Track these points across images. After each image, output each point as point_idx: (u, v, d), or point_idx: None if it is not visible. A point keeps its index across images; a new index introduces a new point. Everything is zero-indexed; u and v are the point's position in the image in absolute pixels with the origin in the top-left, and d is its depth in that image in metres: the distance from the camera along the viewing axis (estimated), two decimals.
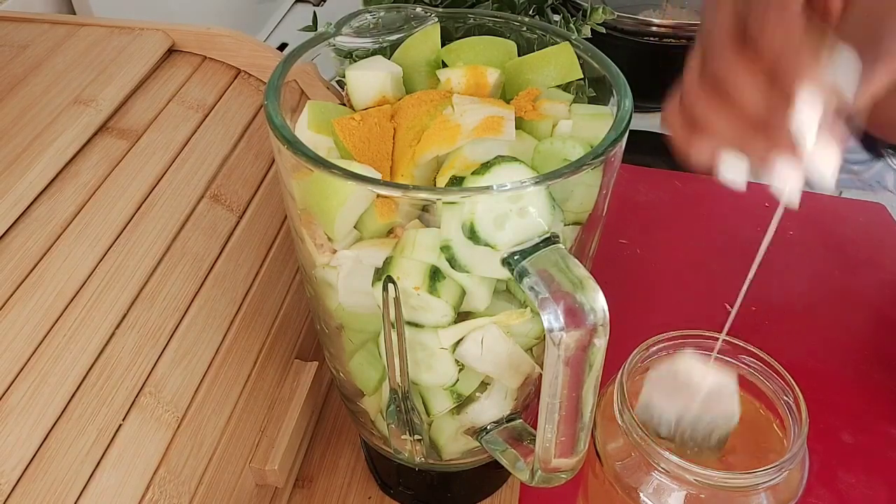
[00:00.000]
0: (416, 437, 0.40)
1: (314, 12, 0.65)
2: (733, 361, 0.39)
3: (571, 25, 0.63)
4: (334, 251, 0.35)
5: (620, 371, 0.38)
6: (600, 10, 0.64)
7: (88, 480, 0.34)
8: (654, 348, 0.39)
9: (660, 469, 0.36)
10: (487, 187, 0.31)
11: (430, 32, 0.40)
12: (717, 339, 0.39)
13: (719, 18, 0.32)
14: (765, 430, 0.39)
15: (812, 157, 0.29)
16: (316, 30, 0.63)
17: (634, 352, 0.39)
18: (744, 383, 0.40)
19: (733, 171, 0.32)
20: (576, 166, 0.31)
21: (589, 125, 0.36)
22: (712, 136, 0.32)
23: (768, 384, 0.38)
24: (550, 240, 0.31)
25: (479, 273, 0.33)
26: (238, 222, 0.47)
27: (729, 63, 0.31)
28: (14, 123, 0.45)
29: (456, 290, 0.34)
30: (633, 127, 0.34)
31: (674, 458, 0.35)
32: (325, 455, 0.51)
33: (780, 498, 0.36)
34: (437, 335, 0.35)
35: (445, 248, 0.32)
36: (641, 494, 0.37)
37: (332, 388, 0.55)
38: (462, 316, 0.35)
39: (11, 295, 0.37)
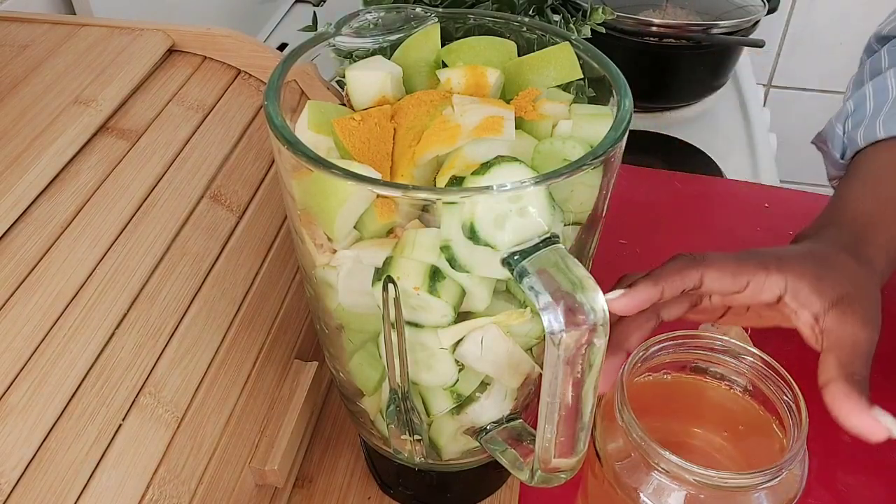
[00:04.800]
0: (416, 437, 0.40)
1: (314, 12, 0.65)
2: (734, 362, 0.39)
3: (571, 25, 0.63)
4: (334, 251, 0.35)
5: (620, 371, 0.38)
6: (600, 10, 0.64)
7: (88, 480, 0.34)
8: (654, 348, 0.39)
9: (659, 469, 0.36)
10: (487, 187, 0.31)
11: (430, 32, 0.40)
12: (716, 339, 0.39)
13: None
14: (765, 430, 0.39)
15: None
16: (316, 30, 0.63)
17: (634, 352, 0.39)
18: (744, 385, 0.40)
19: None
20: (576, 166, 0.31)
21: (589, 125, 0.36)
22: None
23: (768, 385, 0.38)
24: (550, 240, 0.31)
25: (479, 273, 0.33)
26: (238, 222, 0.47)
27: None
28: (14, 123, 0.45)
29: (456, 290, 0.34)
30: (633, 127, 0.34)
31: (673, 458, 0.35)
32: (325, 455, 0.51)
33: (779, 498, 0.36)
34: (437, 335, 0.35)
35: (445, 248, 0.32)
36: (641, 494, 0.37)
37: (332, 388, 0.55)
38: (462, 316, 0.35)
39: (11, 295, 0.37)
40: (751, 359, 0.39)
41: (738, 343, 0.39)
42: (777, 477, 0.35)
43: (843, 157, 0.59)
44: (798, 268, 0.42)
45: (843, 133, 0.59)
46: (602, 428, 0.39)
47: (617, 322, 0.41)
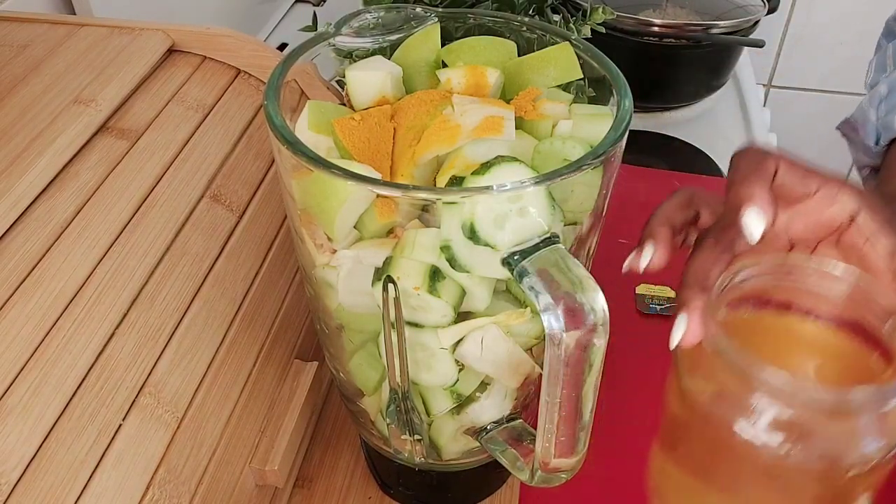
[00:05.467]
0: (416, 437, 0.40)
1: (314, 12, 0.65)
2: (830, 288, 0.36)
3: (571, 25, 0.63)
4: (334, 251, 0.35)
5: (710, 298, 0.35)
6: (600, 10, 0.64)
7: (88, 480, 0.34)
8: (743, 274, 0.36)
9: (760, 391, 0.32)
10: (487, 187, 0.31)
11: (430, 32, 0.40)
12: (812, 262, 0.37)
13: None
14: (865, 366, 0.36)
15: None
16: (316, 30, 0.63)
17: (720, 279, 0.35)
18: (838, 317, 0.37)
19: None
20: (576, 166, 0.31)
21: (589, 125, 0.36)
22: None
23: (869, 313, 0.35)
24: (550, 240, 0.31)
25: (479, 273, 0.33)
26: (238, 222, 0.47)
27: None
28: (14, 123, 0.45)
29: (456, 290, 0.34)
30: (633, 127, 0.34)
31: (778, 375, 0.31)
32: (325, 455, 0.51)
33: (886, 433, 0.33)
34: (437, 335, 0.35)
35: (445, 248, 0.32)
36: (736, 426, 0.33)
37: (332, 388, 0.55)
38: (462, 316, 0.35)
39: (11, 295, 0.37)
40: (848, 284, 0.35)
41: (835, 265, 0.36)
42: (890, 400, 0.31)
43: (877, 142, 0.56)
44: (873, 202, 0.38)
45: (877, 118, 0.56)
46: (686, 364, 0.36)
47: (692, 260, 0.38)
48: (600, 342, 0.30)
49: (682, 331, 0.35)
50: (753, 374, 0.32)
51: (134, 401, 0.37)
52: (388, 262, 0.34)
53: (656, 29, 0.98)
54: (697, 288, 0.36)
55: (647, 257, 0.39)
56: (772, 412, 0.32)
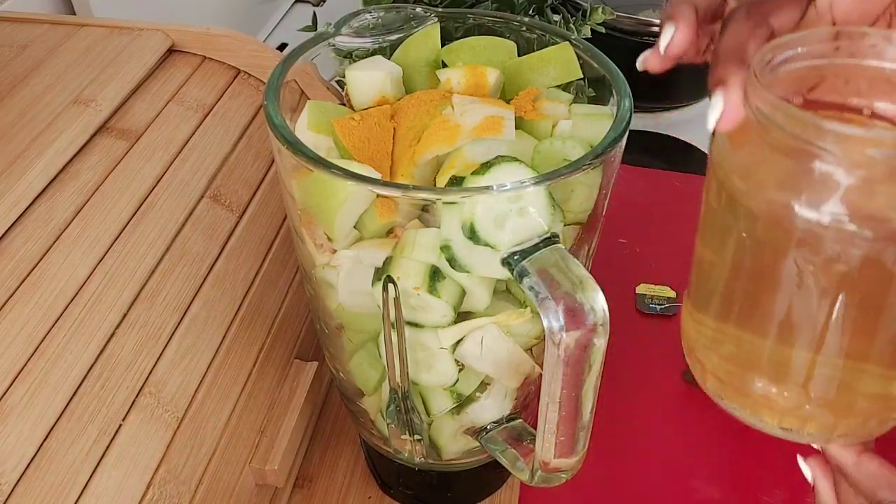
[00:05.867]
0: (416, 437, 0.40)
1: (314, 12, 0.65)
2: None
3: (571, 25, 0.63)
4: (334, 251, 0.35)
5: (751, 69, 0.28)
6: (600, 10, 0.64)
7: (89, 480, 0.34)
8: (783, 54, 0.29)
9: (824, 158, 0.25)
10: (487, 187, 0.31)
11: (430, 32, 0.40)
12: (868, 35, 0.29)
13: None
14: None
15: None
16: (316, 30, 0.63)
17: (760, 53, 0.29)
18: None
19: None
20: (576, 166, 0.31)
21: (589, 125, 0.37)
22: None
23: None
24: (550, 240, 0.31)
25: (479, 273, 0.33)
26: (238, 222, 0.47)
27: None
28: (14, 123, 0.45)
29: (456, 290, 0.34)
30: (633, 127, 0.34)
31: (848, 128, 0.24)
32: (325, 455, 0.51)
33: None
34: (437, 335, 0.35)
35: (445, 248, 0.32)
36: (796, 206, 0.26)
37: (332, 388, 0.55)
38: (462, 316, 0.35)
39: (11, 295, 0.37)
40: None
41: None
42: None
43: None
44: None
45: None
46: (728, 155, 0.29)
47: (722, 36, 0.31)
48: (600, 342, 0.30)
49: (720, 109, 0.29)
50: (816, 128, 0.25)
51: (134, 401, 0.37)
52: (388, 262, 0.34)
53: (656, 29, 0.98)
54: (733, 62, 0.30)
55: (668, 36, 0.34)
56: (840, 177, 0.25)
